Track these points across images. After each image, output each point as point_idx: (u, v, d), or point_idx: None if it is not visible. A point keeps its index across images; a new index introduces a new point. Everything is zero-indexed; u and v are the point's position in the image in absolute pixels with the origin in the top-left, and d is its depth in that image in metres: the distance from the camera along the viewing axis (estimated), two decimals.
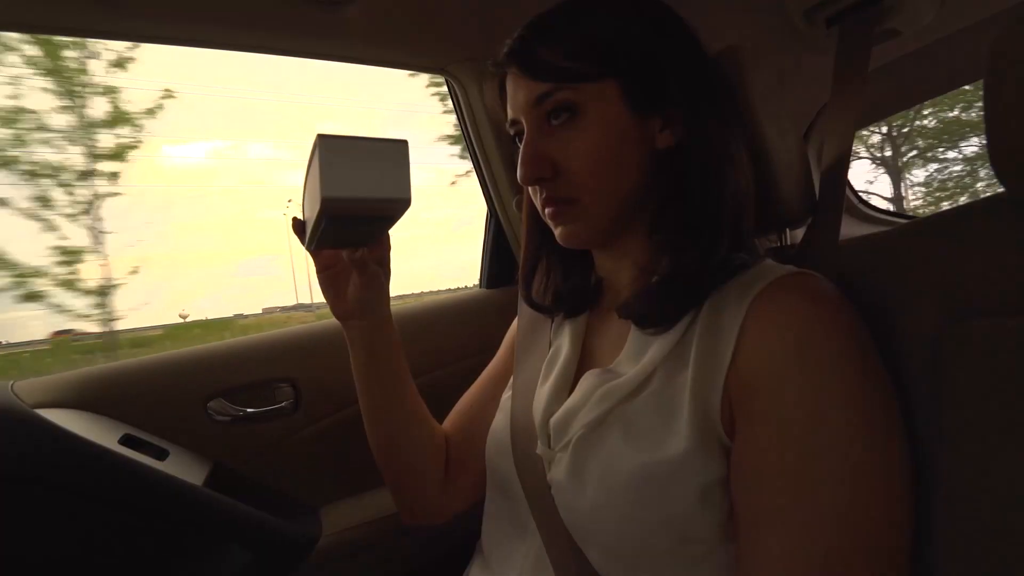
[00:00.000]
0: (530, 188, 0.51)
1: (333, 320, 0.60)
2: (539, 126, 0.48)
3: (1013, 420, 0.37)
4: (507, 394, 0.59)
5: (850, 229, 1.20)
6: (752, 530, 0.38)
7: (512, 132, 0.52)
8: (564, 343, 0.55)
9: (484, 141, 0.96)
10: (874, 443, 0.37)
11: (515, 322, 0.68)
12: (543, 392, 0.52)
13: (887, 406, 0.39)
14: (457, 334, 1.01)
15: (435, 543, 0.88)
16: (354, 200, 0.42)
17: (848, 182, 1.34)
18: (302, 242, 0.53)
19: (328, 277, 0.57)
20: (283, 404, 0.86)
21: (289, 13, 0.73)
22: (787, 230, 0.67)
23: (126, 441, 0.75)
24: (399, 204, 0.44)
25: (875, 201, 1.34)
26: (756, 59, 0.55)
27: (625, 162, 0.47)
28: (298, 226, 0.53)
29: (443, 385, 0.96)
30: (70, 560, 0.73)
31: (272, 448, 0.85)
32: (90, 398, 0.77)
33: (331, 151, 0.41)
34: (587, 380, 0.49)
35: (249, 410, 0.84)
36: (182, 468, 0.77)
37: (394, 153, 0.43)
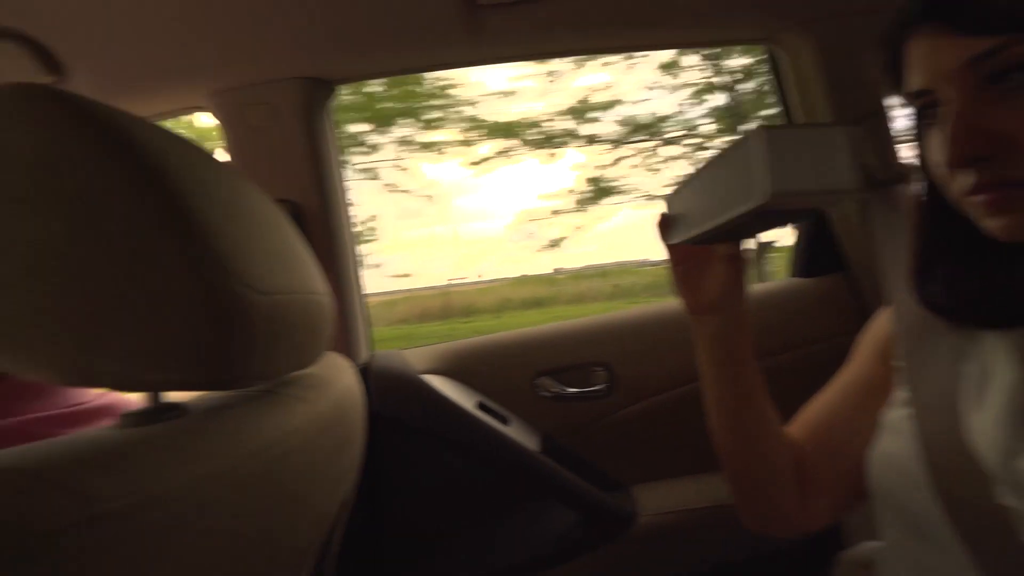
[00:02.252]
0: (945, 171, 0.42)
1: (643, 308, 0.59)
2: (974, 94, 0.38)
3: None
4: (898, 413, 0.51)
5: None
6: None
7: (917, 105, 0.43)
8: (998, 363, 0.45)
9: (817, 115, 0.85)
10: None
11: (874, 324, 0.59)
12: (985, 424, 0.43)
13: None
14: (773, 327, 0.94)
15: (762, 540, 0.85)
16: (799, 193, 0.41)
17: None
18: (663, 238, 0.54)
19: (683, 271, 0.56)
20: (599, 387, 0.92)
21: (623, 8, 0.75)
22: None
23: (480, 406, 0.89)
24: (843, 195, 0.42)
25: None
26: None
27: None
28: (665, 222, 0.53)
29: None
30: (437, 494, 0.91)
31: (588, 426, 0.93)
32: (450, 368, 0.93)
33: (776, 143, 0.40)
34: None
35: (569, 390, 0.93)
36: (520, 435, 0.89)
37: (837, 141, 0.40)
